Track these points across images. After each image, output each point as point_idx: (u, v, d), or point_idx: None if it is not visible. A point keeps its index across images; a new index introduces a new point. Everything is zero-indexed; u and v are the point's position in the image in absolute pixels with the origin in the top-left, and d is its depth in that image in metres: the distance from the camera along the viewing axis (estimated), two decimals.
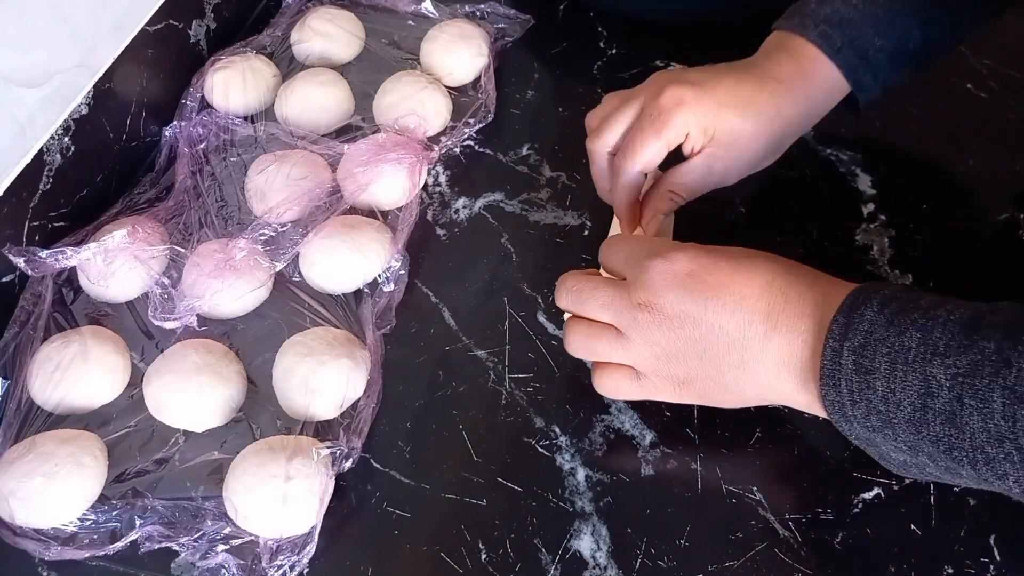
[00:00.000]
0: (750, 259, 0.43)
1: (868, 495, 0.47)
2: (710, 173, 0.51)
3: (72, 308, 0.57)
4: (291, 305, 0.57)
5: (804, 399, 0.42)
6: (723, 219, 0.59)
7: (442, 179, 0.64)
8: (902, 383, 0.37)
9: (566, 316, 0.50)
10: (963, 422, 0.35)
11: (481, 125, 0.66)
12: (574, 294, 0.46)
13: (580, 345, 0.46)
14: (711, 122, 0.50)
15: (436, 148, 0.64)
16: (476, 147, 0.66)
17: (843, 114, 0.64)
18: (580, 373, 0.53)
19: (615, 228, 0.56)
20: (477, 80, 0.69)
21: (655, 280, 0.43)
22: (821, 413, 0.41)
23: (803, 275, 0.43)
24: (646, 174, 0.52)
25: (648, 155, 0.50)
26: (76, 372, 0.52)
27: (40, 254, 0.54)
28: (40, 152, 0.57)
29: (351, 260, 0.56)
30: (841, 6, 0.51)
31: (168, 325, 0.54)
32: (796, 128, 0.53)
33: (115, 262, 0.55)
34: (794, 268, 0.43)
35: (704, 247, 0.44)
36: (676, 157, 0.52)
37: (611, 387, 0.47)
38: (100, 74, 0.62)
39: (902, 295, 0.39)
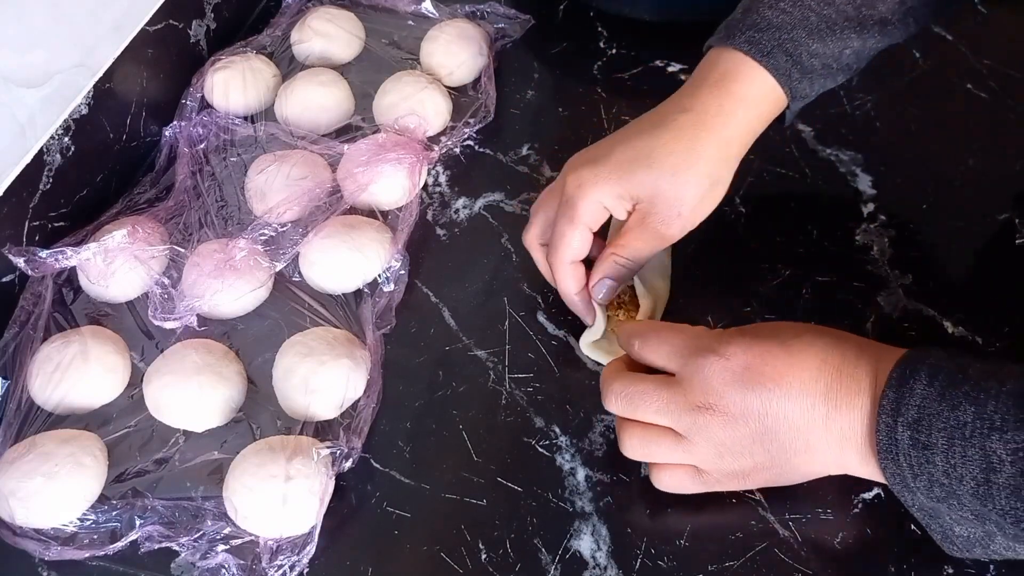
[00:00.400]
0: (798, 338, 0.42)
1: (868, 495, 0.47)
2: (646, 230, 0.49)
3: (72, 308, 0.57)
4: (291, 305, 0.57)
5: (868, 470, 0.42)
6: (723, 219, 0.59)
7: (442, 179, 0.64)
8: (962, 458, 0.36)
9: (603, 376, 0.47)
10: None
11: (481, 125, 0.66)
12: (625, 399, 0.44)
13: (638, 451, 0.45)
14: (622, 188, 0.48)
15: (436, 148, 0.64)
16: (476, 147, 0.66)
17: (843, 114, 0.64)
18: (580, 373, 0.53)
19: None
20: (477, 80, 0.69)
21: (712, 380, 0.42)
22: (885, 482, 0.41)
23: (851, 346, 0.42)
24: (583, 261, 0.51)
25: (570, 245, 0.50)
26: (76, 372, 0.52)
27: (40, 254, 0.54)
28: (40, 152, 0.57)
29: (351, 260, 0.56)
30: (768, 12, 0.49)
31: (168, 325, 0.54)
32: (721, 155, 0.49)
33: (115, 262, 0.55)
34: (841, 340, 0.43)
35: (748, 332, 0.43)
36: None
37: (672, 485, 0.45)
38: (100, 74, 0.62)
39: (949, 364, 0.39)
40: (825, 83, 0.51)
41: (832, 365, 0.41)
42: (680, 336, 0.44)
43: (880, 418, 0.39)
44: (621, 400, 0.44)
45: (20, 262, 0.54)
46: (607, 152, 0.50)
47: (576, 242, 0.50)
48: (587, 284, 0.52)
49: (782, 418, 0.41)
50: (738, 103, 0.49)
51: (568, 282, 0.51)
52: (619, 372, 0.45)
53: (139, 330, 0.56)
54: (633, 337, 0.46)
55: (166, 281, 0.55)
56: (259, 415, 0.52)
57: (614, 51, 0.72)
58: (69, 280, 0.58)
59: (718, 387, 0.41)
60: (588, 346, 0.53)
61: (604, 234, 0.54)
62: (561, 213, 0.50)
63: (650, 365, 0.45)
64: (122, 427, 0.52)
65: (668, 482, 0.45)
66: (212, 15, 0.73)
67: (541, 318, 0.56)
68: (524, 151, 0.65)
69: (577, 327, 0.55)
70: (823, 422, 0.41)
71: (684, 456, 0.44)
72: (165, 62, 0.68)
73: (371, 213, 0.60)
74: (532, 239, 0.54)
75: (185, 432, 0.51)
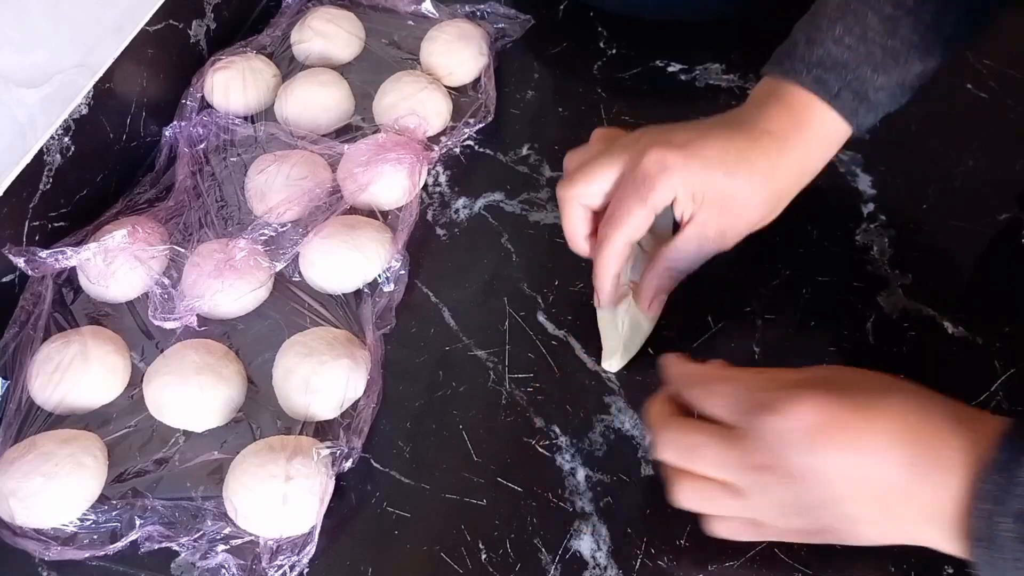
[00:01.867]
0: (881, 395, 0.38)
1: None
2: (705, 241, 0.49)
3: (72, 308, 0.57)
4: (291, 305, 0.57)
5: (952, 547, 0.37)
6: None
7: (442, 179, 0.64)
8: None
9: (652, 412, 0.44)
10: None
11: (481, 125, 0.66)
12: (680, 450, 0.41)
13: (693, 503, 0.42)
14: (699, 187, 0.47)
15: (436, 148, 0.64)
16: (476, 147, 0.66)
17: None
18: (580, 373, 0.53)
19: (603, 313, 0.54)
20: (477, 80, 0.69)
21: (775, 441, 0.38)
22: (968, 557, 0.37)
23: (937, 408, 0.38)
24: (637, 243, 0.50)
25: (635, 224, 0.48)
26: (76, 372, 0.52)
27: (40, 254, 0.54)
28: (40, 152, 0.57)
29: (351, 260, 0.56)
30: (833, 48, 0.48)
31: (168, 325, 0.54)
32: (794, 182, 0.50)
33: (115, 262, 0.55)
34: (926, 399, 0.39)
35: (820, 384, 0.39)
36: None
37: (728, 535, 0.43)
38: (100, 74, 0.62)
39: None
40: (889, 108, 0.51)
41: (916, 432, 0.37)
42: (742, 387, 0.40)
43: (978, 505, 0.35)
44: (676, 450, 0.41)
45: (20, 262, 0.54)
46: (695, 145, 0.48)
47: (642, 222, 0.48)
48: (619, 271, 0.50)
49: (852, 487, 0.37)
50: (814, 138, 0.49)
51: (614, 261, 0.49)
52: (671, 418, 0.42)
53: (139, 330, 0.56)
54: (690, 383, 0.43)
55: (166, 281, 0.55)
56: (259, 415, 0.52)
57: (614, 51, 0.72)
58: (69, 280, 0.58)
59: (782, 449, 0.38)
60: (612, 359, 0.53)
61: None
62: (632, 189, 0.47)
63: (707, 416, 0.41)
64: (122, 427, 0.52)
65: (724, 532, 0.43)
66: (212, 15, 0.73)
67: (541, 318, 0.56)
68: (524, 151, 0.65)
69: (577, 327, 0.55)
70: (902, 494, 0.37)
71: (743, 511, 0.41)
72: (165, 62, 0.68)
73: (371, 213, 0.60)
74: (573, 196, 0.50)
75: (185, 432, 0.51)
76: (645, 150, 0.48)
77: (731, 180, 0.47)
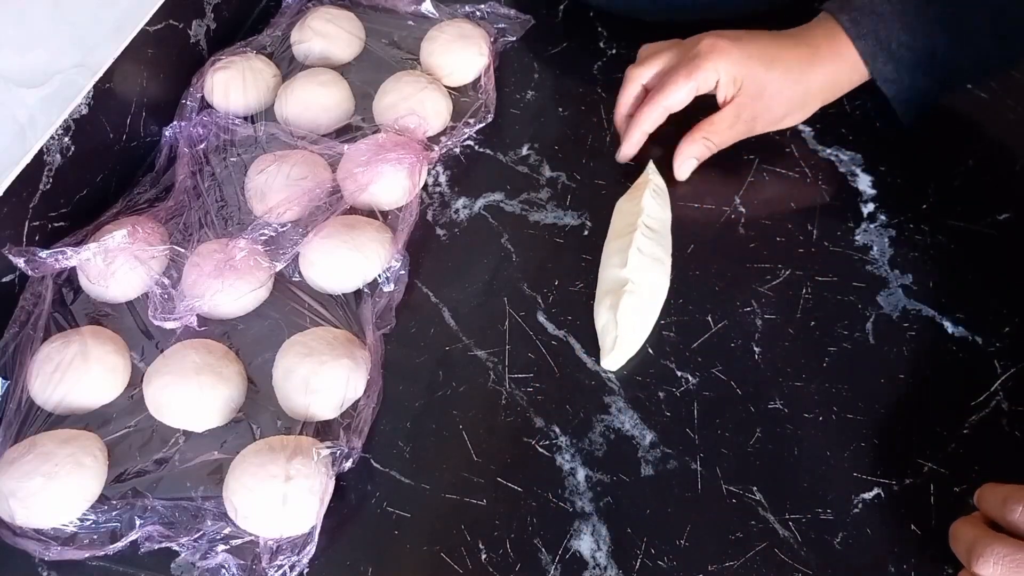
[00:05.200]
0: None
1: (868, 495, 0.47)
2: (738, 121, 0.58)
3: (72, 308, 0.57)
4: (291, 305, 0.57)
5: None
6: (723, 218, 0.59)
7: (442, 179, 0.64)
8: None
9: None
10: None
11: (481, 125, 0.66)
12: (1010, 565, 0.40)
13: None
14: (740, 72, 0.56)
15: (436, 148, 0.64)
16: (476, 147, 0.66)
17: (843, 114, 0.64)
18: (580, 373, 0.53)
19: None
20: (477, 80, 0.69)
21: None
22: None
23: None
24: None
25: (678, 94, 0.57)
26: (76, 372, 0.52)
27: (40, 254, 0.54)
28: (40, 152, 0.57)
29: (351, 260, 0.56)
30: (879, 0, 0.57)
31: (168, 325, 0.54)
32: (819, 92, 0.59)
33: (115, 262, 0.55)
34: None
35: None
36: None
37: None
38: (100, 74, 0.62)
39: None
40: (922, 80, 0.58)
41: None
42: None
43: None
44: (1003, 565, 0.40)
45: (20, 262, 0.54)
46: (745, 40, 0.57)
47: (683, 95, 0.57)
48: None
49: None
50: (843, 62, 0.58)
51: (649, 122, 0.59)
52: (991, 533, 0.41)
53: (139, 330, 0.56)
54: (1016, 503, 0.41)
55: (166, 281, 0.55)
56: (259, 415, 0.52)
57: (614, 51, 0.72)
58: (69, 280, 0.58)
59: None
60: (611, 358, 0.53)
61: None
62: (683, 64, 0.57)
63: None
64: (122, 427, 0.52)
65: None
66: (212, 15, 0.73)
67: (541, 318, 0.56)
68: (524, 151, 0.65)
69: (577, 327, 0.55)
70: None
71: None
72: (165, 62, 0.68)
73: (371, 213, 0.60)
74: (637, 75, 0.60)
75: (185, 432, 0.51)
76: (702, 37, 0.58)
77: (768, 72, 0.57)
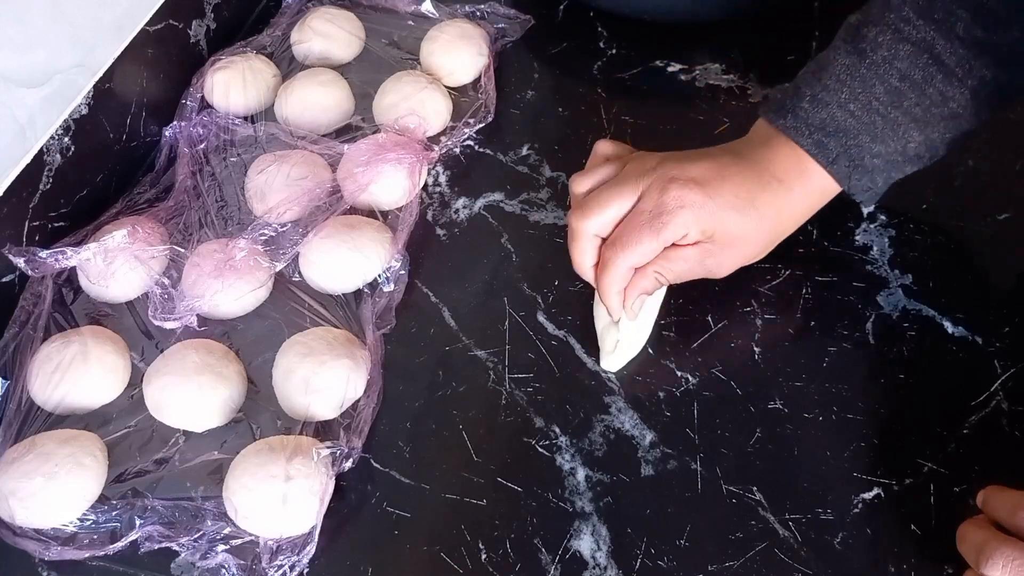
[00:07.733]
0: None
1: (868, 495, 0.47)
2: (700, 265, 0.51)
3: (72, 308, 0.57)
4: (291, 305, 0.57)
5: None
6: None
7: (442, 179, 0.64)
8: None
9: None
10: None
11: (481, 125, 0.66)
12: (1018, 567, 0.40)
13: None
14: (711, 224, 0.49)
15: (436, 148, 0.64)
16: (476, 147, 0.66)
17: None
18: (580, 373, 0.53)
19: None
20: (477, 80, 0.69)
21: None
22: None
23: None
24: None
25: (642, 253, 0.49)
26: (76, 372, 0.52)
27: (40, 254, 0.54)
28: (40, 152, 0.57)
29: (351, 260, 0.56)
30: (838, 113, 0.50)
31: (168, 325, 0.54)
32: (793, 225, 0.53)
33: (115, 262, 0.55)
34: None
35: None
36: None
37: None
38: (100, 74, 0.62)
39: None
40: (889, 172, 0.52)
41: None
42: None
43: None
44: (1012, 568, 0.40)
45: (20, 262, 0.54)
46: (713, 185, 0.49)
47: (649, 253, 0.49)
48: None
49: None
50: (814, 191, 0.52)
51: (618, 282, 0.50)
52: (1000, 536, 0.41)
53: (139, 330, 0.56)
54: (1010, 505, 0.42)
55: (166, 281, 0.55)
56: (259, 415, 0.52)
57: (614, 51, 0.72)
58: (69, 280, 0.58)
59: None
60: (611, 359, 0.53)
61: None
62: (646, 220, 0.49)
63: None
64: (122, 427, 0.52)
65: None
66: (212, 15, 0.73)
67: (541, 318, 0.56)
68: (524, 151, 0.65)
69: (577, 327, 0.55)
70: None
71: None
72: (165, 62, 0.68)
73: (371, 213, 0.60)
74: (588, 228, 0.51)
75: (185, 432, 0.51)
76: (665, 186, 0.49)
77: (742, 221, 0.50)
